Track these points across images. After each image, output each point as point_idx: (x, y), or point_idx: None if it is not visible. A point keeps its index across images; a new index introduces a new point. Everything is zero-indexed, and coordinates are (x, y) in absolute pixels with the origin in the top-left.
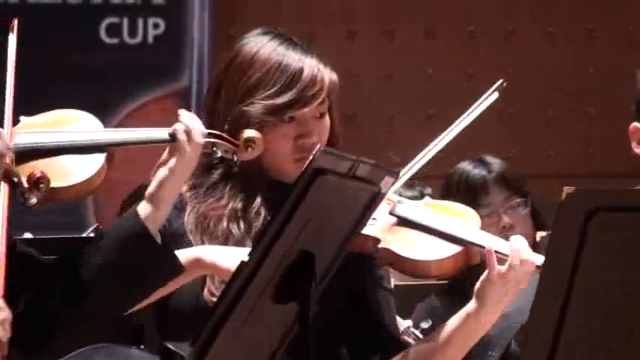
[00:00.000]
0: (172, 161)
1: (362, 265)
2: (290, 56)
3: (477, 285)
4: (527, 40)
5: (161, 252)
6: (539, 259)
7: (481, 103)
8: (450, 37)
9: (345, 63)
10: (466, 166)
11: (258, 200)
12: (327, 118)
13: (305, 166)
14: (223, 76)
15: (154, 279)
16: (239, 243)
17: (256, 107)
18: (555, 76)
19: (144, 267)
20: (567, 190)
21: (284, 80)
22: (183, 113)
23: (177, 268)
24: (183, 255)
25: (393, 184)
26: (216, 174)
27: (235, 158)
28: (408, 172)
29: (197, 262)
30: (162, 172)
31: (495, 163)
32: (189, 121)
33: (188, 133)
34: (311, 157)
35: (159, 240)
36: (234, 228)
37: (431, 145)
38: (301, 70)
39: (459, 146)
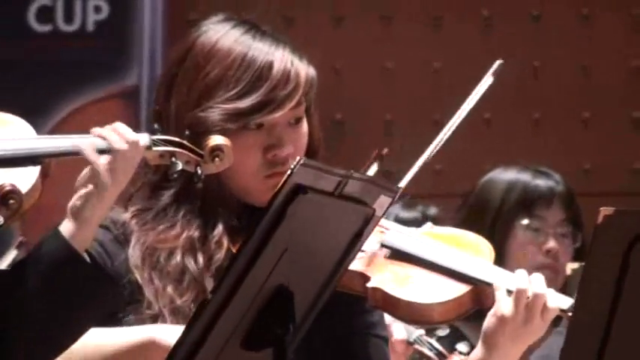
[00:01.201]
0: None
1: (348, 309)
2: (257, 48)
3: (484, 328)
4: (557, 24)
5: (93, 274)
6: (564, 301)
7: (477, 91)
8: (460, 24)
9: (329, 56)
10: (519, 174)
11: (220, 228)
12: (304, 124)
13: (281, 182)
14: (174, 73)
15: (89, 307)
16: (196, 281)
17: (215, 112)
18: (593, 70)
19: (76, 294)
20: (605, 211)
21: (249, 78)
22: (99, 129)
23: (114, 291)
24: (132, 336)
25: (390, 204)
26: (165, 196)
27: (199, 171)
28: (404, 181)
29: (150, 344)
30: (89, 184)
31: (557, 175)
32: (107, 132)
33: (109, 143)
34: (289, 172)
35: (87, 260)
36: (190, 263)
37: (428, 151)
38: (270, 65)
39: (474, 159)
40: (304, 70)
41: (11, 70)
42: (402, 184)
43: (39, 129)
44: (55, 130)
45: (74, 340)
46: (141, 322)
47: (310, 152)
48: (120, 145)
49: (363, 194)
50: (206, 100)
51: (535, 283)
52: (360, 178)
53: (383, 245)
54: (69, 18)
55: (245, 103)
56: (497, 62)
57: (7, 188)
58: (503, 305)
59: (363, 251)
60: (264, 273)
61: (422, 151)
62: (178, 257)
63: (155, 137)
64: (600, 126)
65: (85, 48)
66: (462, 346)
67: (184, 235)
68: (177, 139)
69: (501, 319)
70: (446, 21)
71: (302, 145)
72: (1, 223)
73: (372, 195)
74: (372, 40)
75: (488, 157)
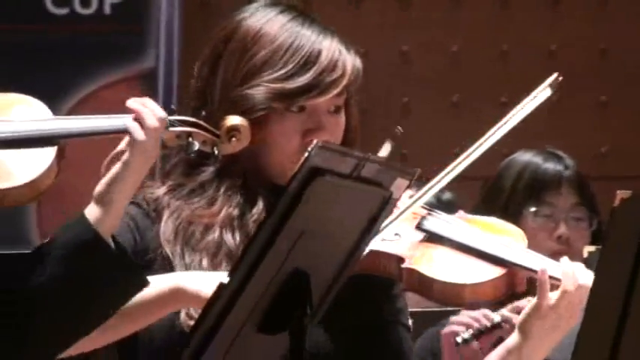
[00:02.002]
0: (127, 154)
1: (379, 294)
2: (305, 34)
3: (522, 316)
4: (576, 6)
5: (118, 260)
6: None
7: (530, 101)
8: (479, 5)
9: (347, 37)
10: (531, 157)
11: (260, 206)
12: (342, 114)
13: (299, 164)
14: (221, 51)
15: (112, 294)
16: (232, 256)
17: (261, 90)
18: (611, 52)
19: (99, 280)
20: (622, 194)
21: (297, 61)
22: (132, 101)
23: (139, 278)
24: (159, 284)
25: (407, 187)
26: (208, 172)
27: (216, 151)
28: (439, 181)
29: (177, 293)
30: (115, 167)
31: (568, 158)
32: (140, 107)
33: (140, 120)
34: (306, 154)
35: (112, 246)
36: (228, 238)
37: (468, 151)
38: (319, 51)
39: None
40: (351, 60)
41: (28, 54)
42: (433, 182)
43: (57, 111)
44: (73, 113)
45: (95, 326)
46: None
47: (347, 143)
48: (151, 121)
49: (380, 177)
50: (252, 78)
51: (579, 276)
52: (377, 161)
53: (419, 229)
54: (86, 1)
55: (292, 84)
56: (554, 75)
57: None
58: (546, 299)
59: (397, 235)
60: (281, 256)
61: (440, 135)
62: (217, 233)
63: (172, 118)
64: (618, 109)
65: (102, 31)
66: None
67: (224, 211)
68: (193, 120)
69: (545, 312)
70: (464, 1)
71: (339, 134)
72: None
73: (389, 177)
74: (390, 23)
75: (506, 140)
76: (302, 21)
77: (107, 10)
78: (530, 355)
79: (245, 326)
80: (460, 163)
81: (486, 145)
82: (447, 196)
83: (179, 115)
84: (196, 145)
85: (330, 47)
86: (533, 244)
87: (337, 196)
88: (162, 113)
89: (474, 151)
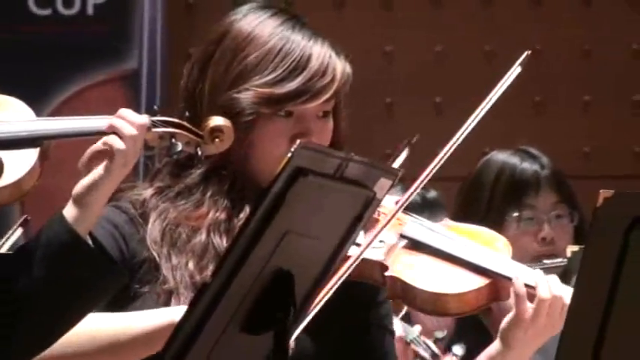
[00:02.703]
0: (107, 161)
1: (364, 300)
2: (295, 39)
3: (503, 325)
4: (560, 6)
5: (97, 259)
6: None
7: (504, 83)
8: (462, 5)
9: (330, 38)
10: (508, 157)
11: (247, 210)
12: (330, 120)
13: (282, 164)
14: (211, 53)
15: (93, 292)
16: (219, 257)
17: (250, 94)
18: (594, 53)
19: (80, 279)
20: (605, 193)
21: (287, 65)
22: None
23: (118, 276)
24: (153, 319)
25: (390, 187)
26: (195, 175)
27: (199, 152)
28: (423, 181)
29: (171, 328)
30: (96, 171)
31: (544, 158)
32: (115, 120)
33: (117, 131)
34: (289, 154)
35: (91, 245)
36: (215, 240)
37: (448, 146)
38: (309, 56)
39: (475, 141)
40: (341, 65)
41: (11, 54)
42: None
43: (39, 112)
44: (56, 114)
45: (75, 323)
46: (156, 296)
47: (334, 148)
48: (128, 130)
49: (363, 177)
50: (242, 82)
51: (553, 286)
52: (360, 161)
53: (402, 236)
54: (69, 2)
55: (281, 89)
56: (525, 53)
57: None
58: (524, 310)
59: (382, 242)
60: (265, 256)
61: (423, 135)
62: (203, 235)
63: (155, 118)
64: (601, 109)
65: (85, 31)
66: (457, 349)
67: (210, 215)
68: (176, 120)
69: (523, 323)
70: (446, 1)
71: (326, 139)
72: None
73: (373, 178)
74: (373, 23)
75: (489, 141)
76: (293, 25)
77: (90, 10)
78: None
79: (228, 326)
80: (447, 151)
81: (466, 132)
82: (432, 194)
83: (162, 115)
84: (179, 146)
85: (320, 52)
86: (517, 248)
87: (321, 196)
88: (139, 120)
89: (458, 139)
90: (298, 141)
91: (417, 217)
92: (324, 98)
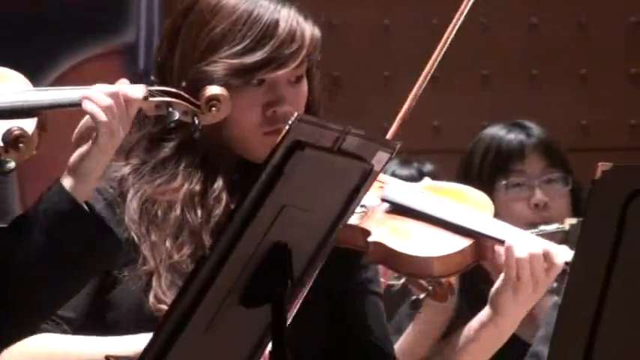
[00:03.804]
0: (95, 134)
1: (345, 265)
2: (262, 5)
3: (492, 290)
4: None
5: (96, 226)
6: (568, 254)
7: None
8: None
9: (327, 11)
10: (498, 130)
11: (220, 182)
12: (304, 84)
13: (280, 138)
14: (179, 26)
15: (92, 259)
16: (195, 235)
17: (219, 66)
18: (591, 26)
19: (80, 246)
20: (603, 166)
21: (255, 34)
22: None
23: (115, 242)
24: (133, 345)
25: (388, 160)
26: (167, 148)
27: (197, 121)
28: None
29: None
30: (86, 145)
31: (535, 127)
32: (86, 91)
33: (93, 101)
34: (287, 127)
35: (89, 212)
36: (189, 216)
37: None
38: (276, 23)
39: (471, 115)
40: (310, 29)
41: (9, 28)
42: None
43: (37, 86)
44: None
45: (76, 292)
46: (137, 279)
47: (309, 112)
48: (102, 99)
49: (361, 150)
50: (210, 54)
51: (531, 246)
52: (357, 134)
53: (383, 200)
54: None
55: (250, 59)
56: None
57: (17, 132)
58: (512, 277)
59: (363, 206)
60: (262, 230)
61: (421, 109)
62: (178, 210)
63: (152, 88)
64: (598, 82)
65: (82, 5)
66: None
67: (185, 187)
68: (173, 90)
69: (509, 286)
70: None
71: (301, 104)
72: (14, 167)
73: (370, 151)
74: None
75: (486, 114)
76: None
77: None
78: (506, 325)
79: (226, 300)
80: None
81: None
82: (429, 167)
83: (159, 86)
84: (176, 115)
85: (287, 18)
86: (511, 216)
87: (318, 169)
88: (111, 89)
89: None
90: (295, 114)
91: (398, 180)
92: (294, 65)
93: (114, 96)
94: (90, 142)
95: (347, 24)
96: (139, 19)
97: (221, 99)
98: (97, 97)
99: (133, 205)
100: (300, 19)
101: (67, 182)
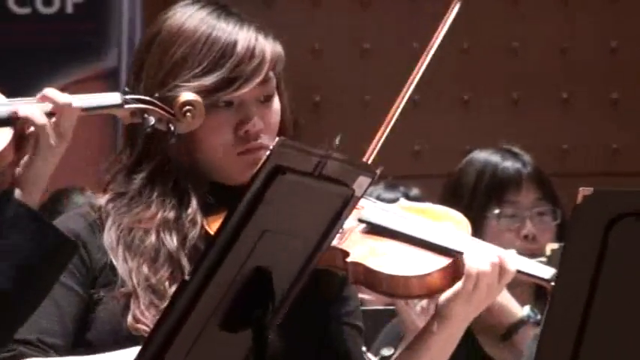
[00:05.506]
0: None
1: (328, 295)
2: (221, 27)
3: (443, 298)
4: (537, 4)
5: (49, 228)
6: (520, 263)
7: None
8: (438, 1)
9: (308, 35)
10: (489, 156)
11: (194, 205)
12: (274, 102)
13: (261, 162)
14: (143, 58)
15: (48, 266)
16: (172, 258)
17: (181, 90)
18: (571, 51)
19: (34, 250)
20: (584, 191)
21: (213, 55)
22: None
23: (70, 243)
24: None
25: (370, 184)
26: (138, 179)
27: (172, 128)
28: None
29: None
30: (29, 152)
31: (526, 156)
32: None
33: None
34: (269, 152)
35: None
36: (165, 240)
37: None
38: (234, 43)
39: (452, 139)
40: (270, 46)
41: None
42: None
43: None
44: None
45: (38, 304)
46: (115, 300)
47: (281, 130)
48: (27, 110)
49: (342, 175)
50: (173, 78)
51: (489, 255)
52: (339, 159)
53: (361, 221)
54: (48, 0)
55: (209, 79)
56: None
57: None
58: (469, 288)
59: (341, 228)
60: (244, 254)
61: (401, 132)
62: (153, 237)
63: (127, 96)
64: (579, 106)
65: (64, 30)
66: (385, 350)
67: (159, 215)
68: (147, 98)
69: (467, 297)
70: (421, 3)
71: (274, 122)
72: None
73: (352, 175)
74: (349, 20)
75: (468, 138)
76: (218, 14)
77: (69, 9)
78: (453, 332)
79: (208, 324)
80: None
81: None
82: (415, 192)
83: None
84: (152, 120)
85: (246, 37)
86: (500, 246)
87: (299, 194)
88: (64, 99)
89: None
90: (277, 139)
91: (374, 200)
92: (256, 82)
93: (62, 105)
94: (34, 150)
95: (327, 47)
96: (121, 44)
97: (195, 104)
98: (22, 110)
99: (110, 234)
100: (260, 37)
101: (16, 193)
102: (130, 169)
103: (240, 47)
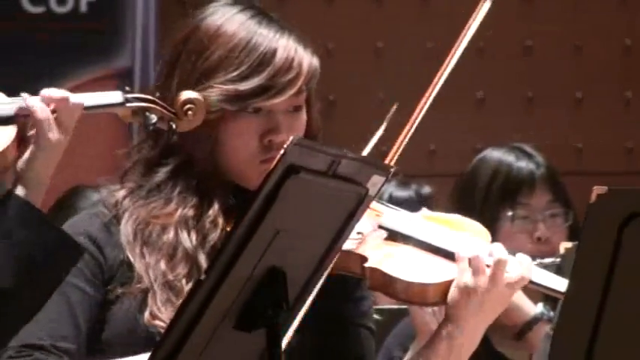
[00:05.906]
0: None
1: (341, 296)
2: (261, 34)
3: (447, 299)
4: (549, 2)
5: (52, 228)
6: (535, 273)
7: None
8: (455, 1)
9: (321, 33)
10: (504, 155)
11: (216, 207)
12: (302, 113)
13: (274, 162)
14: (179, 52)
15: (52, 266)
16: (189, 256)
17: (214, 92)
18: (586, 49)
19: (37, 248)
20: (598, 190)
21: (251, 62)
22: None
23: (74, 246)
24: None
25: (383, 183)
26: (161, 172)
27: (173, 126)
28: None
29: None
30: (30, 149)
31: (539, 156)
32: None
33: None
34: (282, 151)
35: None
36: (183, 238)
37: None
38: (274, 52)
39: (467, 138)
40: (308, 59)
41: (4, 52)
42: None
43: None
44: None
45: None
46: (131, 296)
47: None
48: (32, 102)
49: (356, 174)
50: (206, 79)
51: (495, 250)
52: (353, 158)
53: (380, 227)
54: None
55: (245, 85)
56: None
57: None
58: (464, 275)
59: (359, 233)
60: (257, 254)
61: (416, 132)
62: (171, 233)
63: (128, 95)
64: (593, 105)
65: (78, 29)
66: (397, 351)
67: (179, 212)
68: (149, 97)
69: (464, 290)
70: (436, 2)
71: (299, 133)
72: None
73: (365, 174)
74: (364, 18)
75: (481, 137)
76: (259, 20)
77: (83, 8)
78: (463, 338)
79: (222, 324)
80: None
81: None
82: (427, 190)
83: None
84: (154, 119)
85: (286, 46)
86: (512, 248)
87: (313, 193)
88: (59, 95)
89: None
90: (291, 138)
91: (395, 207)
92: (290, 94)
93: (48, 100)
94: (32, 146)
95: (341, 46)
96: (135, 43)
97: (196, 102)
98: (29, 104)
99: (127, 228)
100: (299, 48)
101: (19, 190)
102: (153, 161)
103: (279, 57)
